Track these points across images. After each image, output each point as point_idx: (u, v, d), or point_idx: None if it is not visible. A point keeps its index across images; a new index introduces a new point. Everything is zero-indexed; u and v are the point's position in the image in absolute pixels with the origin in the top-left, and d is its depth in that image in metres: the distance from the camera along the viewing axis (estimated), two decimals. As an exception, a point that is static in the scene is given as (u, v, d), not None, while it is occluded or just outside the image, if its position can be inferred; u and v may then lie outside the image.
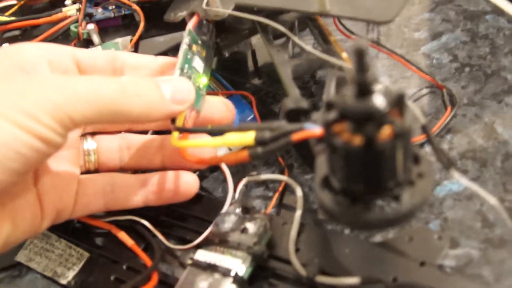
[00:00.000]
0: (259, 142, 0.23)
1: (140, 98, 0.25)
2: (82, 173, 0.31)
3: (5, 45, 0.35)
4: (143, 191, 0.30)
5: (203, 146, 0.26)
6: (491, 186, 0.29)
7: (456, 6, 0.43)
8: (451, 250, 0.27)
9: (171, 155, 0.31)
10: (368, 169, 0.18)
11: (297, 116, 0.24)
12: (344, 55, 0.27)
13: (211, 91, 0.36)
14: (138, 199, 0.30)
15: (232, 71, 0.42)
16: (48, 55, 0.27)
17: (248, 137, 0.23)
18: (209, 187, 0.34)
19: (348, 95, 0.18)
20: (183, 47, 0.30)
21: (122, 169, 0.32)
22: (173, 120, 0.28)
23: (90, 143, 0.31)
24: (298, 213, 0.28)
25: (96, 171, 0.32)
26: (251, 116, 0.34)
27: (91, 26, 0.36)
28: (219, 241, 0.28)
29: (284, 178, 0.31)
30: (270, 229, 0.28)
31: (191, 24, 0.31)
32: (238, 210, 0.29)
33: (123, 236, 0.31)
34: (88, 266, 0.30)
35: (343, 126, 0.18)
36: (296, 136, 0.22)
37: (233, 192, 0.30)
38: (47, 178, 0.28)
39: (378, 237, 0.28)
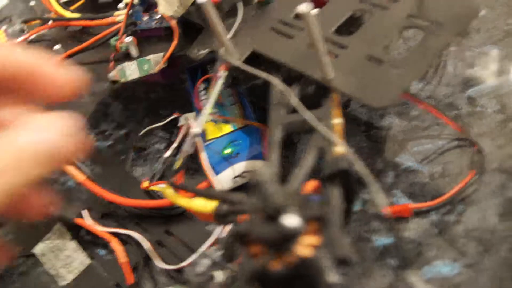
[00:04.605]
0: (216, 214, 0.23)
1: None
2: None
3: None
4: None
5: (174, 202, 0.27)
6: (485, 278, 0.27)
7: (528, 40, 0.38)
8: None
9: None
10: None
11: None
12: (337, 121, 0.26)
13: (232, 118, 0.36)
14: None
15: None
16: None
17: (210, 206, 0.24)
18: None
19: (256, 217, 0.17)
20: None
21: None
22: None
23: None
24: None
25: None
26: (257, 152, 0.34)
27: (129, 39, 0.38)
28: (192, 283, 0.29)
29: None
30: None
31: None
32: (216, 254, 0.29)
33: (119, 251, 0.33)
34: (85, 275, 0.33)
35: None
36: (240, 219, 0.22)
37: (220, 232, 0.31)
38: None
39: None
